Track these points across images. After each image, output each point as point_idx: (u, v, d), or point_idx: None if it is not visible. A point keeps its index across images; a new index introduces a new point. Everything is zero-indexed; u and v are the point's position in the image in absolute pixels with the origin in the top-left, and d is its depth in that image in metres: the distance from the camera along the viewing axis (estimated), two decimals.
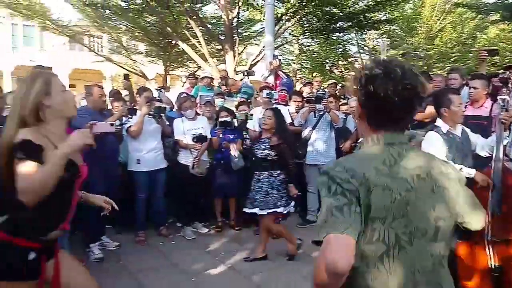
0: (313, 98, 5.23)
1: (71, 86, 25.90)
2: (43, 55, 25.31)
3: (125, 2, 12.27)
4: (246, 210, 4.21)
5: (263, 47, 9.72)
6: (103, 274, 3.71)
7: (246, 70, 7.05)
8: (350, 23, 10.89)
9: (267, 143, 4.10)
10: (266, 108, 4.78)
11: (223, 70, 8.19)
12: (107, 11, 12.62)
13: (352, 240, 1.10)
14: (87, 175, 1.96)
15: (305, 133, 5.30)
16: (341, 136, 5.44)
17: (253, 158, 4.25)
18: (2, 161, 1.68)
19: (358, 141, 4.84)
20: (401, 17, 13.54)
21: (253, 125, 5.26)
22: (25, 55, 25.02)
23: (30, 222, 1.68)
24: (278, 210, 4.02)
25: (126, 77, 6.18)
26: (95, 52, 16.19)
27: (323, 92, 6.01)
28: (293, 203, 4.18)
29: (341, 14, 10.59)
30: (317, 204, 5.51)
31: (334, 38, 14.42)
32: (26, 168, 1.61)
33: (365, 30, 14.76)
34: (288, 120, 5.13)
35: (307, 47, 18.14)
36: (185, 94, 6.27)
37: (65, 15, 13.57)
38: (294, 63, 19.26)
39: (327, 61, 19.12)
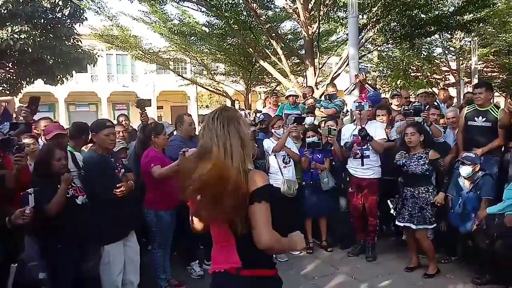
0: (411, 111, 4.83)
1: (158, 107, 28.01)
2: (134, 81, 27.75)
3: (208, 28, 12.90)
4: (399, 223, 4.39)
5: (345, 59, 9.48)
6: None
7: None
8: (438, 26, 10.14)
9: (425, 158, 4.24)
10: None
11: (309, 87, 8.11)
12: (193, 38, 13.36)
13: None
14: None
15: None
16: (439, 151, 5.03)
17: (408, 173, 4.32)
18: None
19: (461, 156, 4.44)
20: (492, 14, 12.28)
21: (343, 142, 5.03)
22: (119, 82, 27.62)
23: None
24: (430, 226, 4.27)
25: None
26: (182, 76, 17.18)
27: (420, 103, 5.57)
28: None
29: (427, 18, 9.94)
30: None
31: (419, 42, 13.62)
32: (265, 210, 1.75)
33: (455, 31, 13.77)
34: (382, 135, 4.90)
35: (386, 54, 17.38)
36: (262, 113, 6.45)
37: (155, 45, 14.65)
38: (374, 71, 18.60)
39: (411, 67, 18.11)
